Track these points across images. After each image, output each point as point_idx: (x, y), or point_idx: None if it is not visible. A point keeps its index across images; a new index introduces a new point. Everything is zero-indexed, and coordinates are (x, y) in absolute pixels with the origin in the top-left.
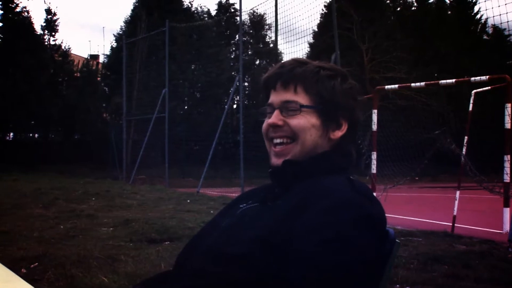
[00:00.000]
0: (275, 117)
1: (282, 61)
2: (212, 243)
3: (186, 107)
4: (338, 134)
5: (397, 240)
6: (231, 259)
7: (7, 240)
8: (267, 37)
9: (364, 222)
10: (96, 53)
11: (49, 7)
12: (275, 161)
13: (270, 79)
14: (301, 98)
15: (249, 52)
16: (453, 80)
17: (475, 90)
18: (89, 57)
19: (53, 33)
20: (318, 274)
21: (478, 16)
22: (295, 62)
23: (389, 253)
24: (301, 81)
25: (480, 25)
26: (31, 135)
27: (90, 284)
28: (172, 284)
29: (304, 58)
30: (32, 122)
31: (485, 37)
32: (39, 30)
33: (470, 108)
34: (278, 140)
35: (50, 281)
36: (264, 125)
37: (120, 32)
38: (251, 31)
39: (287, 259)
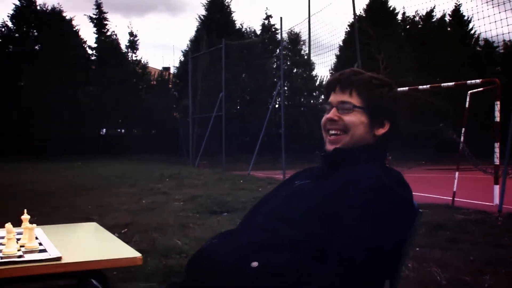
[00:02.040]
0: (332, 113)
1: (343, 70)
2: (273, 208)
3: (238, 107)
4: (381, 131)
5: (420, 210)
6: (288, 221)
7: (103, 211)
8: (302, 51)
9: (394, 202)
10: (168, 65)
11: (131, 31)
12: (329, 147)
13: (331, 82)
14: (355, 100)
15: (288, 63)
16: (453, 83)
17: (470, 91)
18: (162, 69)
19: (135, 51)
20: (356, 242)
21: (472, 32)
22: (352, 71)
23: (412, 221)
24: (356, 86)
25: (474, 38)
26: (118, 130)
27: (167, 246)
28: (239, 236)
29: (360, 69)
30: (120, 120)
31: (478, 48)
32: (124, 49)
33: (467, 106)
34: (333, 132)
35: (137, 243)
36: (323, 118)
37: (187, 49)
38: (289, 46)
39: (332, 227)
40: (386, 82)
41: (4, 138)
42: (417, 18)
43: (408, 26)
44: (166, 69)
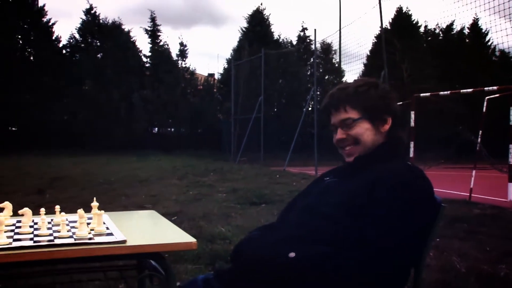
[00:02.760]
0: (339, 134)
1: (330, 91)
2: (307, 204)
3: (275, 110)
4: (386, 127)
5: (442, 204)
6: (321, 216)
7: (155, 200)
8: (333, 59)
9: (417, 197)
10: (212, 72)
11: (181, 41)
12: (348, 159)
13: (325, 107)
14: (352, 114)
15: (320, 70)
16: (471, 89)
17: (487, 97)
18: (208, 75)
19: (184, 59)
20: (384, 234)
21: (489, 43)
22: (338, 89)
23: (436, 214)
24: (347, 101)
25: (490, 49)
26: (168, 129)
27: (212, 232)
28: (279, 231)
29: (346, 82)
30: (170, 120)
31: (494, 58)
32: (174, 57)
33: (484, 110)
34: (347, 148)
35: (185, 230)
36: (334, 139)
37: (230, 57)
38: (322, 55)
39: (360, 221)
40: (370, 83)
41: (71, 135)
42: (437, 31)
43: (429, 38)
44: (211, 75)
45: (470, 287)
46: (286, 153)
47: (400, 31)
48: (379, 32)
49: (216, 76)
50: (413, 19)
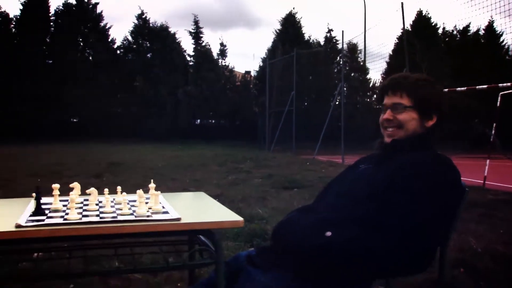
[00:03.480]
0: (388, 114)
1: (392, 76)
2: (342, 189)
3: (306, 104)
4: (430, 123)
5: (466, 189)
6: (354, 199)
7: (198, 184)
8: (359, 58)
9: (443, 183)
10: (249, 70)
11: (221, 42)
12: (387, 139)
13: (384, 87)
14: (405, 101)
15: (347, 68)
16: (486, 86)
17: (501, 93)
18: (245, 72)
19: (224, 58)
20: (413, 217)
21: (503, 44)
22: (401, 76)
23: (460, 199)
24: (405, 89)
25: (504, 49)
26: (210, 121)
27: (250, 213)
28: (315, 213)
29: (407, 73)
30: (210, 113)
31: (507, 57)
32: (215, 56)
33: (498, 105)
34: (390, 129)
35: None
36: (380, 118)
37: (265, 56)
38: (348, 54)
39: (390, 204)
40: (430, 81)
41: (125, 126)
42: (455, 32)
43: (447, 39)
44: (248, 72)
45: (485, 265)
46: (315, 143)
47: (420, 32)
48: (401, 34)
49: (252, 73)
50: (432, 22)
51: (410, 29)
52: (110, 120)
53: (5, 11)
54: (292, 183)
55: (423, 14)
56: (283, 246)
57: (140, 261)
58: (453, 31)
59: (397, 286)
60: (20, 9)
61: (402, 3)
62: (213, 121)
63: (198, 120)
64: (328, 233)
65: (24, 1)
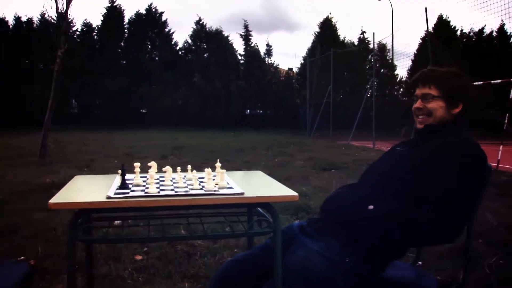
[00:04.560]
0: (418, 103)
1: (422, 70)
2: (382, 168)
3: (341, 96)
4: (456, 111)
5: (491, 169)
6: (394, 178)
7: (249, 165)
8: (387, 56)
9: (476, 163)
10: (291, 67)
11: (268, 43)
12: (419, 126)
13: (415, 80)
14: (433, 91)
15: (377, 65)
16: (499, 80)
17: None
18: (288, 69)
19: (270, 56)
20: (449, 193)
21: None
22: (429, 70)
23: (487, 178)
24: (433, 81)
25: None
26: (258, 111)
27: (295, 190)
28: (359, 189)
29: (436, 67)
30: (259, 104)
31: None
32: (262, 55)
33: (510, 97)
34: (420, 116)
35: None
36: (413, 107)
37: (305, 55)
38: (378, 53)
39: (428, 181)
40: (456, 73)
41: (186, 115)
42: (471, 34)
43: (464, 40)
44: (290, 69)
45: (500, 236)
46: (349, 130)
47: (441, 34)
48: (424, 35)
49: (294, 70)
50: (451, 25)
51: (432, 31)
52: (173, 111)
53: (89, 21)
54: (330, 165)
55: (444, 18)
56: (331, 217)
57: (196, 230)
58: (469, 32)
59: (425, 253)
60: (101, 20)
61: (426, 8)
62: (261, 111)
63: (248, 110)
64: (371, 207)
65: (105, 13)
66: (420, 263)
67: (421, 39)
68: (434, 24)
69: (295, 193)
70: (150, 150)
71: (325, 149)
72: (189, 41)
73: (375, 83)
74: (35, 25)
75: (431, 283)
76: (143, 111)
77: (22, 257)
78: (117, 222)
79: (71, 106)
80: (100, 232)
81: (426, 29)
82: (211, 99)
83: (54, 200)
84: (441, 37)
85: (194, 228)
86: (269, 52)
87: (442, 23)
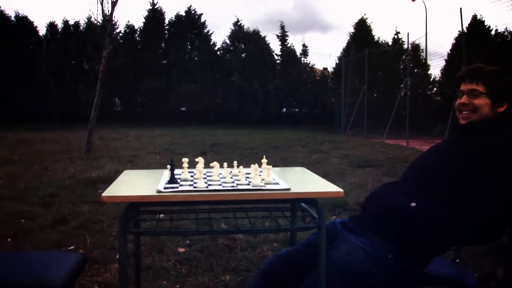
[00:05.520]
0: (463, 99)
1: (469, 66)
2: (422, 164)
3: (375, 95)
4: (501, 109)
5: None
6: (433, 174)
7: (286, 162)
8: (421, 56)
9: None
10: (326, 66)
11: (304, 43)
12: (462, 122)
13: (462, 76)
14: (481, 88)
15: (411, 65)
16: None
17: None
18: (323, 69)
19: (306, 56)
20: (489, 193)
21: None
22: (477, 67)
23: None
24: (480, 78)
25: None
26: (294, 109)
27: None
28: (400, 186)
29: (482, 64)
30: (294, 102)
31: None
32: (298, 55)
33: None
34: (465, 112)
35: None
36: (457, 102)
37: (340, 55)
38: (412, 53)
39: (465, 180)
40: (503, 72)
41: (224, 113)
42: (506, 33)
43: (499, 39)
44: (325, 68)
45: None
46: (384, 128)
47: (475, 34)
48: (458, 35)
49: (329, 69)
50: (486, 24)
51: (466, 31)
52: (212, 109)
53: (132, 23)
54: (365, 162)
55: (478, 18)
56: (373, 214)
57: (242, 224)
58: (504, 32)
59: (463, 250)
60: (143, 22)
61: (460, 9)
62: (297, 109)
63: (284, 109)
64: (413, 204)
65: (146, 15)
66: (457, 260)
67: (454, 39)
68: (468, 24)
69: (340, 189)
70: (189, 146)
71: (360, 147)
72: (227, 41)
73: (409, 82)
74: (81, 27)
75: (471, 280)
76: (183, 109)
77: (72, 247)
78: (161, 215)
79: (114, 104)
80: (145, 225)
81: (460, 29)
82: (248, 97)
83: (106, 193)
84: (475, 37)
85: (235, 223)
86: (305, 52)
87: (476, 23)
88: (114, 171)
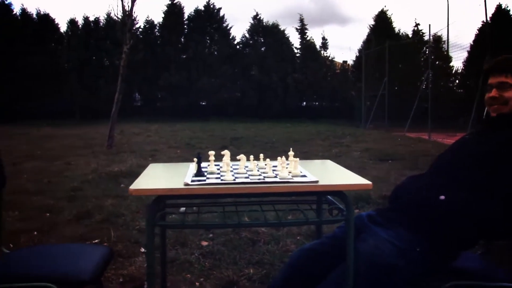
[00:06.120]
0: (493, 92)
1: (497, 59)
2: (450, 157)
3: (396, 88)
4: None
5: None
6: (461, 167)
7: (307, 156)
8: (442, 48)
9: None
10: (346, 59)
11: (323, 36)
12: (493, 114)
13: (489, 69)
14: (510, 80)
15: (432, 57)
16: None
17: None
18: (343, 62)
19: (326, 49)
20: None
21: None
22: (504, 58)
23: None
24: (509, 69)
25: None
26: (314, 103)
27: None
28: (428, 179)
29: (509, 55)
30: (314, 96)
31: None
32: (318, 48)
33: None
34: (495, 105)
35: None
36: (486, 96)
37: (360, 48)
38: (433, 45)
39: (495, 173)
40: None
41: (244, 107)
42: None
43: None
44: (345, 62)
45: None
46: (405, 122)
47: (499, 25)
48: (482, 25)
49: (349, 62)
50: (511, 14)
51: (490, 22)
52: (231, 103)
53: (151, 19)
54: (387, 156)
55: (503, 8)
56: (401, 207)
57: (264, 217)
58: None
59: (493, 245)
60: (162, 17)
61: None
62: (316, 103)
63: (304, 102)
64: (442, 197)
65: (165, 10)
66: (486, 254)
67: (478, 29)
68: (492, 14)
69: (368, 182)
70: (210, 140)
71: (381, 140)
72: (247, 35)
73: (430, 75)
74: (101, 24)
75: (500, 274)
76: (203, 103)
77: (96, 240)
78: (182, 209)
79: (135, 99)
80: (168, 218)
81: (484, 19)
82: (268, 91)
83: (134, 186)
84: (499, 27)
85: (257, 215)
86: (324, 45)
87: (501, 13)
88: (136, 165)
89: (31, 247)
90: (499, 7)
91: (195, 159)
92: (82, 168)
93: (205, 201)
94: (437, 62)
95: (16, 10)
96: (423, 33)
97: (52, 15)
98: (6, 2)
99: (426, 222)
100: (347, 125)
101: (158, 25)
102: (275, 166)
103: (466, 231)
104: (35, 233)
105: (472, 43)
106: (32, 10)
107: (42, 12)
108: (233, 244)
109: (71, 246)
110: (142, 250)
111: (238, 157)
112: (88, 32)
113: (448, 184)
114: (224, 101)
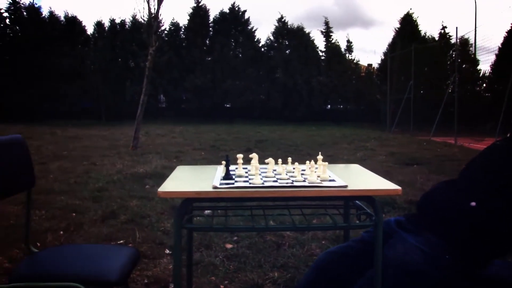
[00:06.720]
0: None
1: None
2: (481, 163)
3: (422, 91)
4: None
5: None
6: (494, 173)
7: (331, 159)
8: (470, 51)
9: None
10: (371, 62)
11: (348, 39)
12: None
13: None
14: None
15: (459, 60)
16: None
17: None
18: (368, 65)
19: (350, 52)
20: None
21: None
22: None
23: None
24: None
25: None
26: (339, 106)
27: None
28: (458, 185)
29: None
30: (339, 99)
31: None
32: (343, 51)
33: None
34: None
35: None
36: None
37: (385, 51)
38: (460, 48)
39: None
40: None
41: (269, 109)
42: None
43: None
44: (370, 65)
45: None
46: (431, 126)
47: None
48: (510, 28)
49: (374, 66)
50: None
51: None
52: (256, 105)
53: (176, 21)
54: (413, 160)
55: None
56: (431, 213)
57: (289, 221)
58: None
59: None
60: (187, 19)
61: None
62: (341, 106)
63: (329, 105)
64: (473, 203)
65: (191, 13)
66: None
67: (506, 32)
68: None
69: (398, 187)
70: (234, 143)
71: (407, 144)
72: (271, 38)
73: (457, 78)
74: (127, 26)
75: None
76: (227, 105)
77: (121, 241)
78: (207, 211)
79: (160, 100)
80: (194, 221)
81: None
82: (293, 94)
83: (162, 188)
84: None
85: (283, 219)
86: (349, 48)
87: None
88: (161, 166)
89: (59, 247)
90: None
91: (223, 162)
92: (107, 169)
93: (231, 204)
94: (463, 66)
95: (45, 13)
96: (449, 36)
97: (79, 17)
98: (36, 6)
99: (456, 228)
100: (372, 128)
101: (183, 27)
102: (304, 170)
103: (497, 238)
104: (61, 232)
105: (500, 46)
106: (60, 13)
107: (69, 15)
108: (258, 247)
109: (98, 246)
110: (167, 251)
111: (266, 161)
112: (114, 34)
113: (479, 190)
114: (249, 104)
